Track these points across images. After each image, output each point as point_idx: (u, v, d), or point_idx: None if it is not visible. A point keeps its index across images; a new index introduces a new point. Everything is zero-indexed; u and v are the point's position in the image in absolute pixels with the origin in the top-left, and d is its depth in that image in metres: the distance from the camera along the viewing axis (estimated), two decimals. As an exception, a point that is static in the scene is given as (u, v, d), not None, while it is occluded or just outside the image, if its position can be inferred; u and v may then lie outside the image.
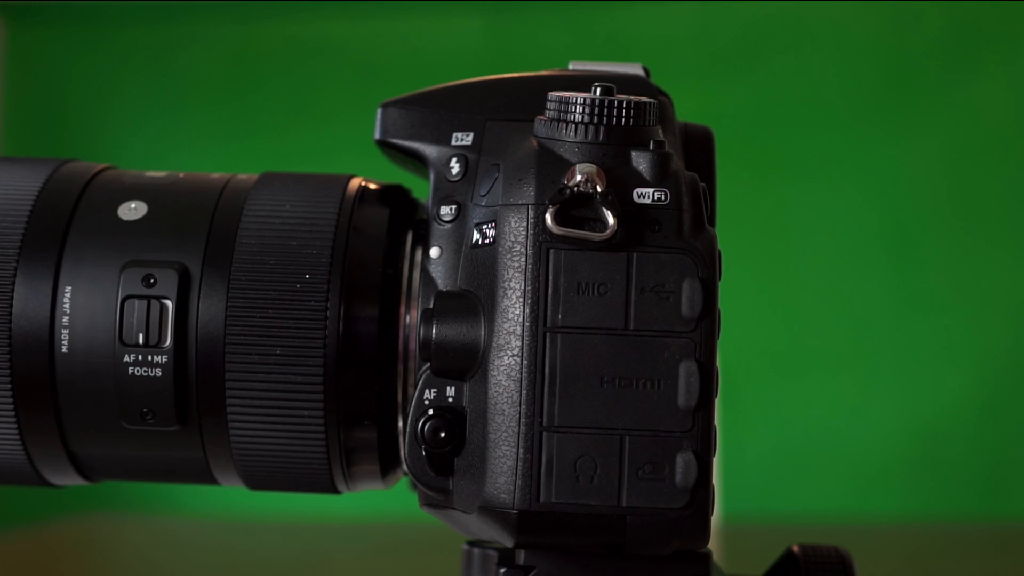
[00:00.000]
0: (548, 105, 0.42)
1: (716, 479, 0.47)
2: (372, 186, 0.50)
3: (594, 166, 0.41)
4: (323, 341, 0.46)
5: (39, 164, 0.52)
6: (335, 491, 0.50)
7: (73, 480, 0.51)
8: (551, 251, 0.41)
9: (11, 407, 0.47)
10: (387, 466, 0.48)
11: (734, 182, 1.71)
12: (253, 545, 1.18)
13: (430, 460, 0.43)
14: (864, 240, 1.64)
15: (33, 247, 0.48)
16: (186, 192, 0.52)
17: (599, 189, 0.40)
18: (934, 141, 1.63)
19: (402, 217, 0.49)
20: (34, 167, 0.51)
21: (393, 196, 0.50)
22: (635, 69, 0.47)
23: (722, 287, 0.46)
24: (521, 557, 0.43)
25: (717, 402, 0.41)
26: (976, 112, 1.62)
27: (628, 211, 0.41)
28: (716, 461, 0.47)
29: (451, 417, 0.42)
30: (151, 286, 0.47)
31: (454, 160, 0.46)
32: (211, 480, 0.50)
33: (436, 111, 0.47)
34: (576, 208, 0.41)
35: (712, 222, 0.44)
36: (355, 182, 0.50)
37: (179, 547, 1.20)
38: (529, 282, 0.41)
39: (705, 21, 1.71)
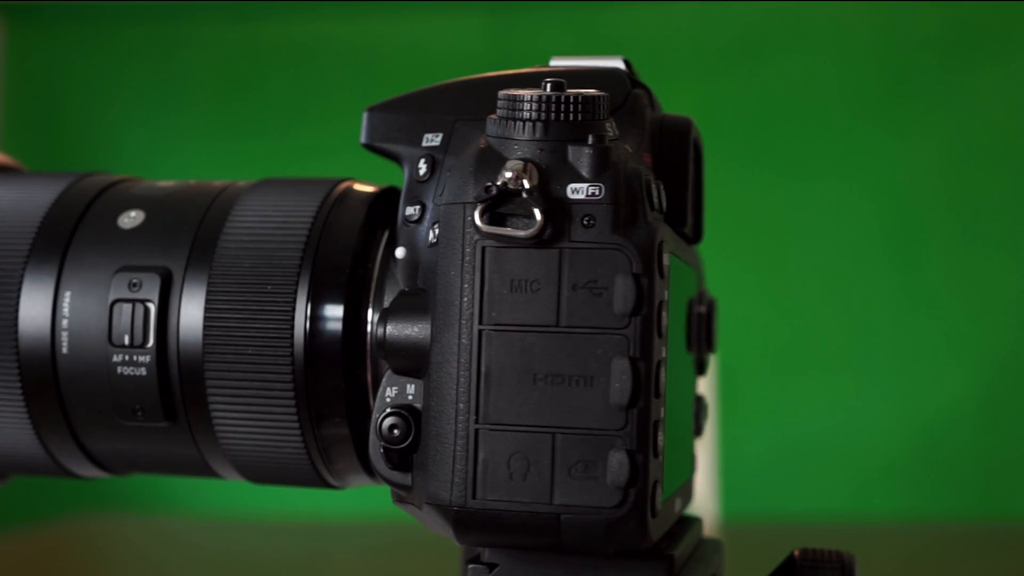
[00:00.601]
0: (498, 104, 0.42)
1: (716, 479, 0.47)
2: (359, 188, 0.50)
3: (522, 163, 0.40)
4: (291, 341, 0.47)
5: (58, 178, 0.56)
6: (328, 486, 0.50)
7: (94, 472, 0.53)
8: (486, 249, 0.41)
9: (23, 405, 0.50)
10: (367, 462, 0.48)
11: (735, 181, 1.72)
12: (253, 545, 1.18)
13: (387, 456, 0.43)
14: (864, 240, 1.64)
15: (39, 256, 0.51)
16: (182, 200, 0.52)
17: (526, 186, 0.40)
18: (934, 141, 1.63)
19: (380, 218, 0.49)
20: (52, 181, 0.55)
21: (379, 198, 0.50)
22: (615, 63, 0.46)
23: (722, 287, 0.45)
24: (486, 554, 0.43)
25: (716, 400, 0.40)
26: (976, 112, 1.62)
27: (561, 207, 0.40)
28: (716, 461, 0.47)
29: (407, 415, 0.43)
30: (136, 290, 0.49)
31: (422, 161, 0.46)
32: (212, 474, 0.51)
33: (412, 113, 0.47)
34: (505, 206, 0.40)
35: (683, 214, 0.44)
36: (343, 185, 0.50)
37: (179, 547, 1.20)
38: (466, 280, 0.41)
39: (705, 21, 1.71)
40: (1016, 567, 1.03)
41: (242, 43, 1.85)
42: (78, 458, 0.52)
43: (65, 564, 1.09)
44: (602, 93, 0.42)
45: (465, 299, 0.41)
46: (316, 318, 0.47)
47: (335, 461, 0.49)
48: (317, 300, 0.47)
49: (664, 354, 0.41)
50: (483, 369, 0.41)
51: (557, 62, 0.47)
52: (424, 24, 1.78)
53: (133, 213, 0.52)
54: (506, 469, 0.41)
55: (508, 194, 0.40)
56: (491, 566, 0.43)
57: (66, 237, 0.51)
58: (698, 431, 0.52)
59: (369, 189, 0.51)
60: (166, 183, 0.54)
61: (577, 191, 0.40)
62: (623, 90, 0.44)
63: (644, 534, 0.40)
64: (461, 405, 0.41)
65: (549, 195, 0.40)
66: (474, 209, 0.41)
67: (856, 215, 1.64)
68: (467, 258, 0.41)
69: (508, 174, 0.40)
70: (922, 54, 1.65)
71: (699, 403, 0.52)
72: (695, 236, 0.49)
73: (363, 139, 0.48)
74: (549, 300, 0.40)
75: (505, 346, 0.41)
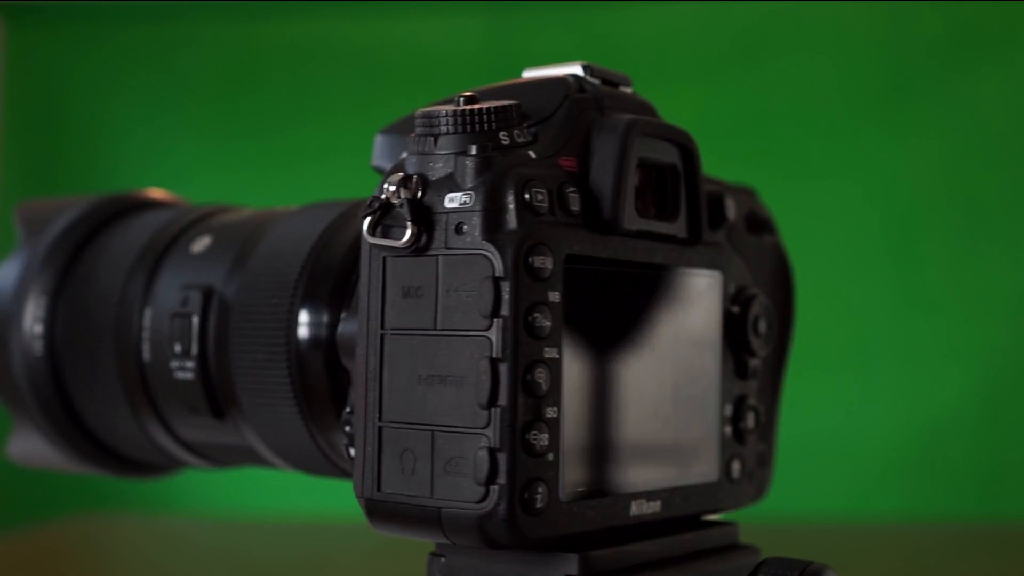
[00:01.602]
0: (416, 122, 0.44)
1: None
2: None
3: (401, 174, 0.43)
4: (286, 347, 0.52)
5: (175, 209, 0.64)
6: (350, 476, 0.53)
7: (200, 462, 0.61)
8: (386, 259, 0.44)
9: (127, 403, 0.59)
10: None
11: (735, 181, 1.72)
12: (253, 545, 1.18)
13: (348, 452, 0.48)
14: (864, 240, 1.64)
15: (134, 278, 0.59)
16: (241, 225, 0.59)
17: (401, 198, 0.42)
18: (934, 141, 1.63)
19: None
20: (169, 211, 0.64)
21: None
22: (574, 68, 0.48)
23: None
24: (435, 545, 0.46)
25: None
26: (976, 112, 1.62)
27: (436, 216, 0.43)
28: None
29: None
30: (185, 305, 0.56)
31: None
32: (270, 464, 0.57)
33: (400, 134, 0.50)
34: (387, 217, 0.43)
35: (617, 215, 0.44)
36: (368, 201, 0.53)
37: (179, 547, 1.20)
38: (372, 288, 0.44)
39: (705, 21, 1.71)
40: (1016, 567, 1.03)
41: (242, 43, 1.85)
42: (180, 449, 0.60)
43: (65, 564, 1.09)
44: (506, 103, 0.44)
45: (372, 305, 0.44)
46: (306, 324, 0.52)
47: (343, 458, 0.52)
48: (309, 309, 0.52)
49: (552, 354, 0.42)
50: (383, 370, 0.44)
51: (528, 73, 0.49)
52: (424, 24, 1.78)
53: (205, 239, 0.59)
54: (399, 464, 0.44)
55: (388, 206, 0.43)
56: (439, 555, 0.46)
57: (155, 262, 0.59)
58: (738, 436, 0.51)
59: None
60: (246, 212, 0.61)
61: (453, 200, 0.42)
62: (558, 97, 0.46)
63: (515, 530, 0.41)
64: (369, 404, 0.44)
65: (425, 206, 0.43)
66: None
67: (856, 215, 1.64)
68: (372, 267, 0.44)
69: (388, 187, 0.43)
70: (922, 54, 1.65)
71: (739, 406, 0.51)
72: (691, 237, 0.49)
73: (373, 162, 0.51)
74: (429, 305, 0.43)
75: (398, 349, 0.44)
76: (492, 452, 0.41)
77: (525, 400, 0.41)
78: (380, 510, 0.44)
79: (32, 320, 0.62)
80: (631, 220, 0.46)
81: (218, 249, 0.57)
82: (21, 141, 1.91)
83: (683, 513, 0.49)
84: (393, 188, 0.43)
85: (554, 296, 0.42)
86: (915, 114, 1.64)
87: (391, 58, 1.78)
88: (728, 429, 0.51)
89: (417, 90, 1.71)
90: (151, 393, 0.58)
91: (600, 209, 0.45)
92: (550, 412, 0.42)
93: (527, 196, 0.42)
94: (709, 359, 0.50)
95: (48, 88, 1.91)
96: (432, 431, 0.43)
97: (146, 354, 0.57)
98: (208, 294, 0.55)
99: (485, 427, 0.41)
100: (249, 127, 1.83)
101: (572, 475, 0.43)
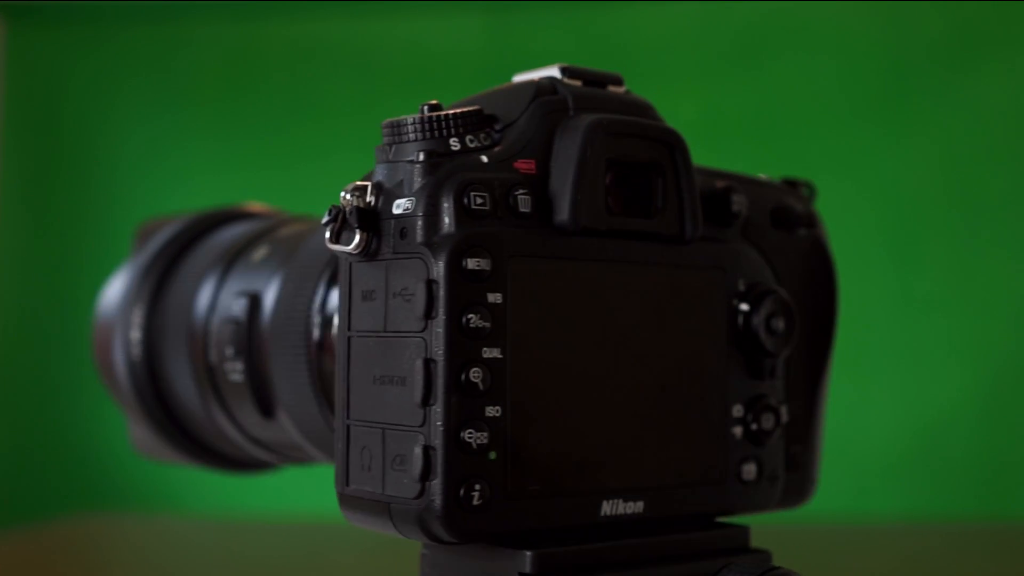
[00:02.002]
0: (382, 131, 0.46)
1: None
2: None
3: (356, 183, 0.45)
4: (306, 349, 0.54)
5: (254, 220, 0.69)
6: None
7: (273, 458, 0.65)
8: (351, 264, 0.46)
9: (204, 404, 0.64)
10: None
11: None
12: (253, 545, 1.18)
13: None
14: (864, 240, 1.64)
15: (206, 286, 0.64)
16: (295, 234, 0.62)
17: (353, 205, 0.44)
18: (934, 141, 1.63)
19: None
20: (250, 223, 0.69)
21: None
22: (550, 72, 0.48)
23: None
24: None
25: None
26: (976, 112, 1.62)
27: (384, 222, 0.44)
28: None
29: None
30: (235, 311, 0.60)
31: None
32: (321, 460, 0.59)
33: None
34: (346, 224, 0.45)
35: (574, 213, 0.45)
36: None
37: (179, 547, 1.20)
38: (341, 293, 0.46)
39: (705, 21, 1.71)
40: (1016, 567, 1.02)
41: (242, 43, 1.85)
42: (250, 446, 0.64)
43: (65, 564, 1.09)
44: (465, 110, 0.45)
45: (342, 308, 0.47)
46: (317, 326, 0.54)
47: None
48: (322, 312, 0.54)
49: (492, 355, 0.43)
50: (349, 371, 0.46)
51: (518, 77, 0.49)
52: (424, 24, 1.78)
53: (263, 248, 0.62)
54: (360, 460, 0.45)
55: (340, 215, 0.45)
56: (426, 551, 0.48)
57: (223, 270, 0.63)
58: (752, 438, 0.50)
59: None
60: (310, 222, 0.65)
61: (399, 206, 0.44)
62: (525, 100, 0.47)
63: (452, 526, 0.42)
64: (340, 403, 0.46)
65: (374, 213, 0.44)
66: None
67: (856, 215, 1.64)
68: (342, 272, 0.46)
69: (344, 195, 0.45)
70: (922, 54, 1.65)
71: (754, 406, 0.50)
72: (680, 236, 0.48)
73: None
74: (380, 308, 0.44)
75: (360, 350, 0.45)
76: (427, 450, 0.42)
77: (460, 399, 0.42)
78: (348, 504, 0.46)
79: (133, 327, 0.68)
80: (598, 219, 0.46)
81: (271, 258, 0.61)
82: (21, 141, 1.91)
83: (675, 514, 0.48)
84: (348, 196, 0.44)
85: (495, 297, 0.43)
86: (915, 114, 1.64)
87: (391, 58, 1.78)
88: (738, 430, 0.50)
89: (417, 90, 1.71)
90: (220, 393, 0.62)
91: (559, 209, 0.45)
92: (491, 411, 0.43)
93: (465, 200, 0.43)
94: (709, 358, 0.49)
95: (48, 88, 1.91)
96: (383, 429, 0.44)
97: (212, 357, 0.62)
98: (255, 301, 0.59)
99: (421, 426, 0.42)
100: (249, 127, 1.83)
101: (525, 473, 0.44)
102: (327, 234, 0.45)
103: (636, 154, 0.47)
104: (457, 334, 0.42)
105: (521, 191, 0.44)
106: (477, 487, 0.42)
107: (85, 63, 1.88)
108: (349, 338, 0.46)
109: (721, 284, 0.49)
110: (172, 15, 1.84)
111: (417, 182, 0.44)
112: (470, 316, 0.42)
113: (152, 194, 1.84)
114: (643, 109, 0.49)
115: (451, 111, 0.45)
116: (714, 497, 0.49)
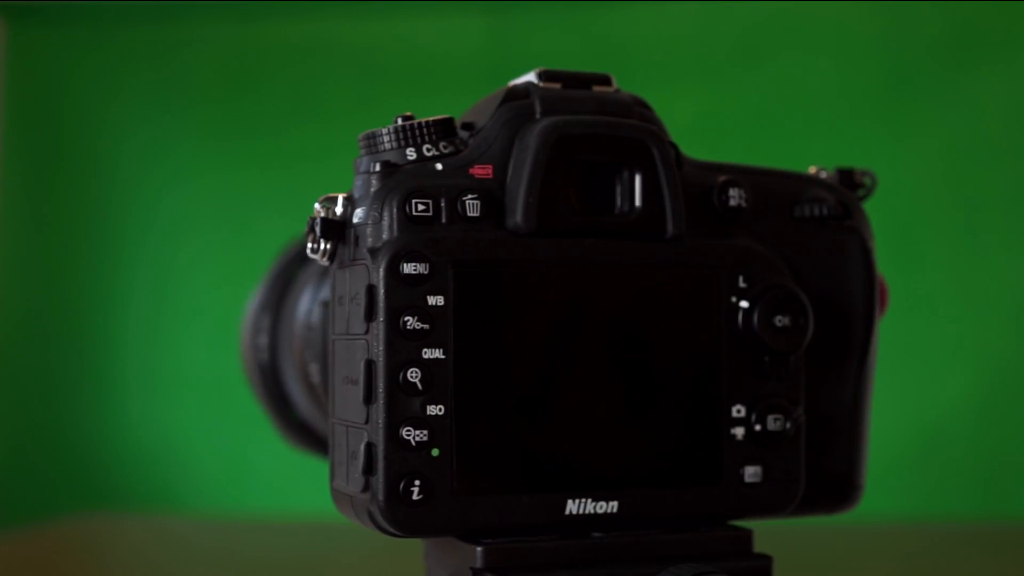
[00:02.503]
0: (359, 144, 0.48)
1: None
2: None
3: (327, 195, 0.47)
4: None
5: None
6: None
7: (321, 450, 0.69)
8: (334, 272, 0.48)
9: (306, 402, 0.69)
10: None
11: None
12: (253, 545, 1.18)
13: None
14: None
15: (305, 294, 0.68)
16: None
17: (321, 216, 0.47)
18: (934, 140, 1.63)
19: None
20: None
21: None
22: (528, 77, 0.48)
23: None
24: None
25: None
26: (976, 112, 1.62)
27: (346, 232, 0.47)
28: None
29: None
30: (312, 317, 0.64)
31: None
32: None
33: None
34: (319, 235, 0.47)
35: (530, 215, 0.45)
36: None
37: (179, 547, 1.20)
38: (330, 299, 0.49)
39: (705, 21, 1.71)
40: (1016, 567, 1.02)
41: (242, 43, 1.84)
42: (309, 439, 0.72)
43: (65, 564, 1.09)
44: (431, 120, 0.46)
45: (329, 312, 0.49)
46: None
47: None
48: None
49: (433, 355, 0.44)
50: (333, 372, 0.48)
51: (514, 82, 0.49)
52: (424, 24, 1.78)
53: None
54: (336, 456, 0.48)
55: (312, 226, 0.47)
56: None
57: (319, 278, 0.66)
58: (757, 439, 0.49)
59: None
60: None
61: (357, 215, 0.46)
62: (493, 106, 0.48)
63: (395, 520, 0.44)
64: (329, 402, 0.49)
65: (337, 223, 0.47)
66: None
67: (856, 215, 1.64)
68: (329, 279, 0.49)
69: (315, 207, 0.47)
70: (922, 54, 1.65)
71: (759, 407, 0.49)
72: (661, 233, 0.47)
73: None
74: (345, 312, 0.47)
75: (336, 352, 0.48)
76: (369, 446, 0.44)
77: (399, 398, 0.44)
78: (334, 498, 0.48)
79: (261, 332, 0.74)
80: (557, 221, 0.46)
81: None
82: (21, 141, 1.91)
83: (657, 515, 0.47)
84: (317, 206, 0.47)
85: (436, 300, 0.44)
86: (915, 114, 1.64)
87: (391, 58, 1.78)
88: (739, 431, 0.48)
89: (417, 90, 1.71)
90: (314, 393, 0.66)
91: (512, 212, 0.46)
92: (433, 410, 0.44)
93: (407, 208, 0.45)
94: (699, 357, 0.48)
95: (48, 88, 1.90)
96: (347, 427, 0.46)
97: (303, 361, 0.66)
98: (327, 307, 0.61)
99: (366, 423, 0.45)
100: (249, 127, 1.83)
101: (474, 470, 0.45)
102: (308, 243, 0.47)
103: (602, 154, 0.47)
104: (395, 336, 0.44)
105: (471, 196, 0.45)
106: (417, 482, 0.44)
107: (85, 63, 1.88)
108: (333, 341, 0.48)
109: (715, 281, 0.48)
110: (172, 15, 1.84)
111: (371, 193, 0.46)
112: (407, 319, 0.44)
113: (152, 194, 1.84)
114: (625, 108, 0.48)
115: (421, 121, 0.46)
116: (707, 499, 0.48)
